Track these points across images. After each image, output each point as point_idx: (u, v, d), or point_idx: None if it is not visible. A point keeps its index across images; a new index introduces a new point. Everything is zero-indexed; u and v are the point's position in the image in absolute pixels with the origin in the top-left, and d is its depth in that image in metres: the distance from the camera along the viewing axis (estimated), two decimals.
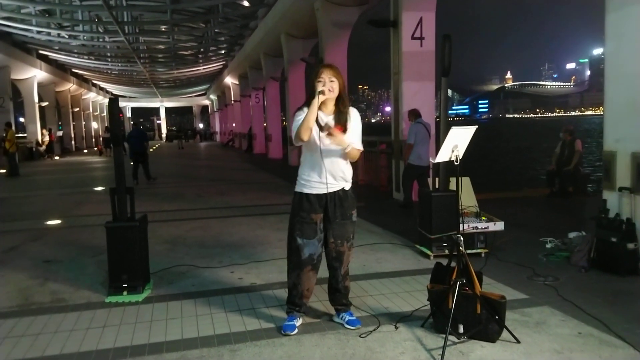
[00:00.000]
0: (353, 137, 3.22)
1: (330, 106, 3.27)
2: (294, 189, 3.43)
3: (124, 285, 4.17)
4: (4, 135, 16.61)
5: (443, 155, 3.20)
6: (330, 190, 3.29)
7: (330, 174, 3.27)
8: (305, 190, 3.30)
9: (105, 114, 47.07)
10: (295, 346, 3.18)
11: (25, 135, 27.96)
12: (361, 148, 3.27)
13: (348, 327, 3.43)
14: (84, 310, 3.92)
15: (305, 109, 3.17)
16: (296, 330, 3.36)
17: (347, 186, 3.38)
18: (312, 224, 3.30)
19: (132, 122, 15.74)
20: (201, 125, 61.99)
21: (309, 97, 3.21)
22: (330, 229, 3.34)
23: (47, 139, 27.75)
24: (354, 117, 3.30)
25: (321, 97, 3.12)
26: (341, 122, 3.21)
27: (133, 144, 13.10)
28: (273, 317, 3.66)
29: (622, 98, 4.61)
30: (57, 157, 27.21)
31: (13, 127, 18.24)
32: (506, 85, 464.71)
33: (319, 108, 3.19)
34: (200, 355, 3.09)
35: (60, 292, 4.36)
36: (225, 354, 3.10)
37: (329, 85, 3.17)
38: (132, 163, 12.85)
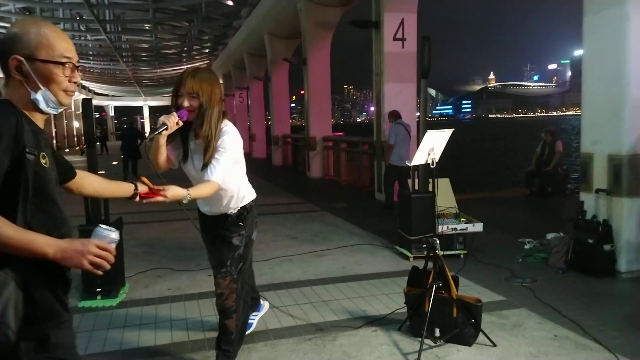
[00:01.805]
0: (211, 167, 2.53)
1: (199, 129, 2.57)
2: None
3: (97, 290, 4.09)
4: None
5: (419, 159, 3.18)
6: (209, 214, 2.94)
7: (206, 203, 2.90)
8: (200, 209, 3.03)
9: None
10: (270, 351, 3.14)
11: None
12: (216, 180, 2.51)
13: (256, 312, 3.49)
14: None
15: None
16: (252, 328, 3.35)
17: (232, 211, 2.89)
18: (205, 242, 3.13)
19: (128, 122, 16.22)
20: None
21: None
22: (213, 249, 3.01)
23: None
24: (225, 140, 2.57)
25: (164, 133, 2.41)
26: (207, 150, 2.55)
27: (127, 142, 13.92)
28: (249, 322, 3.61)
29: (600, 100, 4.64)
30: None
31: None
32: (489, 85, 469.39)
33: (188, 134, 2.63)
34: None
35: None
36: None
37: (188, 104, 2.48)
38: (122, 157, 13.92)
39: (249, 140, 23.44)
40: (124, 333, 3.47)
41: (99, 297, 4.07)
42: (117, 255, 4.11)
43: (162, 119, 2.40)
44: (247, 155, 14.48)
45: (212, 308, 3.88)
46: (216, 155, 2.53)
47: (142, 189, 2.12)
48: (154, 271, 4.91)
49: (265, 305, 3.61)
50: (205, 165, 2.55)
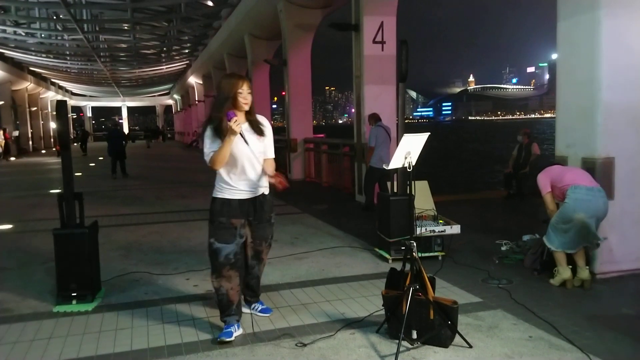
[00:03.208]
0: (268, 148, 3.41)
1: (242, 116, 3.30)
2: (212, 197, 3.42)
3: (72, 294, 4.02)
4: None
5: (396, 162, 3.20)
6: (249, 197, 3.36)
7: (251, 185, 3.35)
8: (229, 197, 3.32)
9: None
10: (248, 356, 3.12)
11: None
12: (273, 156, 3.45)
13: (261, 315, 3.69)
14: (30, 320, 3.77)
15: (210, 128, 3.26)
16: (233, 337, 3.32)
17: (266, 191, 3.45)
18: (232, 229, 3.31)
19: (113, 124, 16.77)
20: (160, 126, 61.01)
21: (216, 109, 3.25)
22: (252, 231, 3.45)
23: (1, 139, 26.73)
24: (269, 127, 3.44)
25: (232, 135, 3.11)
26: (257, 131, 3.32)
27: (113, 144, 14.64)
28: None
29: (573, 104, 4.73)
30: (12, 158, 26.25)
31: None
32: (469, 88, 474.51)
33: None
34: None
35: (5, 302, 4.18)
36: None
37: (248, 100, 3.26)
38: (110, 157, 14.72)
39: None
40: (99, 338, 3.42)
41: (74, 302, 4.01)
42: (92, 260, 4.08)
43: (234, 126, 3.05)
44: None
45: (190, 312, 3.87)
46: (270, 140, 3.41)
47: None
48: (131, 275, 4.85)
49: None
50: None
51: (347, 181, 10.78)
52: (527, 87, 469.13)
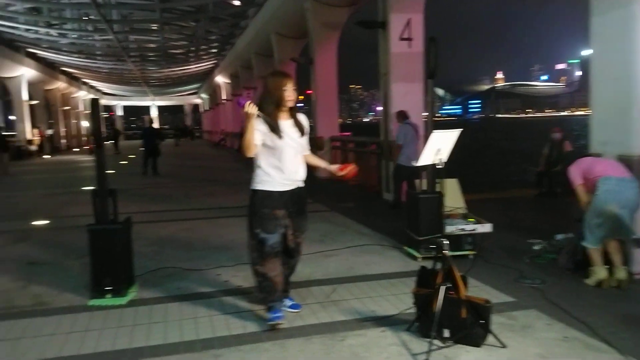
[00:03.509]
0: (307, 143, 3.60)
1: (286, 114, 3.47)
2: (252, 189, 3.54)
3: (107, 289, 4.10)
4: None
5: (426, 159, 3.17)
6: (289, 189, 3.50)
7: (294, 177, 3.51)
8: (272, 189, 3.45)
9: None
10: (279, 351, 3.15)
11: (15, 134, 27.67)
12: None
13: (290, 310, 3.72)
14: (66, 313, 3.87)
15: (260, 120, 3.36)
16: (284, 319, 3.49)
17: (302, 184, 3.62)
18: (275, 219, 3.44)
19: (148, 121, 17.31)
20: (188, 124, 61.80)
21: (262, 105, 3.38)
22: (291, 223, 3.54)
23: (37, 137, 27.48)
24: (307, 124, 3.62)
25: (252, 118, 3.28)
26: (298, 127, 3.49)
27: (147, 141, 14.94)
28: (258, 321, 3.63)
29: (608, 101, 4.61)
30: (47, 156, 26.97)
31: None
32: (497, 85, 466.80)
33: (277, 116, 3.41)
34: None
35: (42, 295, 4.30)
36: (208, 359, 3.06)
37: (293, 97, 3.43)
38: (143, 155, 15.06)
39: None
40: (133, 331, 3.50)
41: (108, 296, 4.09)
42: (126, 255, 4.17)
43: (251, 109, 3.21)
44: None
45: (222, 307, 3.91)
46: (307, 134, 3.55)
47: None
48: (163, 270, 4.94)
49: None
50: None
51: (374, 179, 10.74)
52: (557, 84, 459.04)
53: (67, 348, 3.25)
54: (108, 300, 4.07)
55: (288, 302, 3.80)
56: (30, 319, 3.77)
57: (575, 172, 4.42)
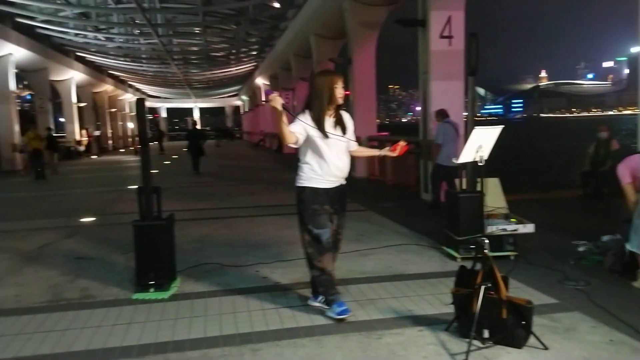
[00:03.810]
0: (352, 139, 3.66)
1: (332, 112, 3.51)
2: (299, 186, 3.63)
3: (150, 283, 4.23)
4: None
5: (467, 156, 3.13)
6: (334, 185, 3.57)
7: (338, 171, 3.55)
8: (319, 186, 3.51)
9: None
10: (316, 348, 3.17)
11: (65, 135, 28.79)
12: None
13: (318, 306, 3.71)
14: (111, 306, 4.00)
15: (302, 118, 3.44)
16: (351, 312, 3.56)
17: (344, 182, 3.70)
18: (325, 214, 3.53)
19: (192, 123, 18.39)
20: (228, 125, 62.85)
21: (310, 103, 3.48)
22: (335, 219, 3.62)
23: (85, 138, 28.52)
24: (351, 121, 3.68)
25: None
26: (343, 124, 3.54)
27: (193, 142, 15.79)
28: (295, 317, 3.66)
29: None
30: (94, 157, 27.95)
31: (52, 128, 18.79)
32: (540, 84, 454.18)
33: (325, 114, 3.46)
34: (222, 354, 3.11)
35: (89, 289, 4.46)
36: (246, 353, 3.11)
37: (342, 94, 3.47)
38: (190, 154, 15.75)
39: None
40: (175, 325, 3.59)
41: (151, 290, 4.22)
42: (169, 250, 4.28)
43: (276, 99, 3.21)
44: (293, 156, 14.54)
45: (260, 303, 3.97)
46: (352, 131, 3.63)
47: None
48: (204, 266, 5.05)
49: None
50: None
51: (412, 179, 10.64)
52: (603, 82, 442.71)
53: (111, 340, 3.37)
54: (151, 294, 4.18)
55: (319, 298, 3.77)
56: (77, 311, 3.92)
57: (624, 170, 4.27)
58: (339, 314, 3.52)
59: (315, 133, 3.44)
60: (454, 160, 3.40)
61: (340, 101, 3.49)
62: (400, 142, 3.52)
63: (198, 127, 21.21)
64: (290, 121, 3.43)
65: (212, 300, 4.06)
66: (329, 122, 3.49)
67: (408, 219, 7.20)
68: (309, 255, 3.61)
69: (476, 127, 3.09)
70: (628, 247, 4.12)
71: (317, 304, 3.76)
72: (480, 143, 3.08)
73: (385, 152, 3.63)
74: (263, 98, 34.12)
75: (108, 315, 3.82)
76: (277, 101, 3.22)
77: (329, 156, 3.48)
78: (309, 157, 3.52)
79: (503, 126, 3.11)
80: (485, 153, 3.15)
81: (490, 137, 3.13)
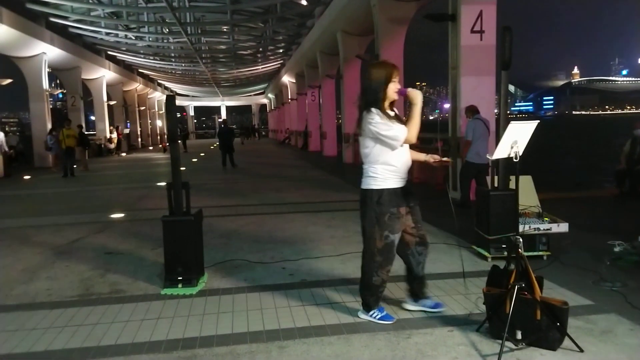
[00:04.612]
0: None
1: (389, 104, 3.36)
2: (360, 186, 3.49)
3: (179, 278, 4.26)
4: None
5: (501, 152, 3.04)
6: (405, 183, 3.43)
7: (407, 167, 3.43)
8: (396, 185, 3.34)
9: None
10: (344, 346, 3.13)
11: (95, 132, 29.40)
12: None
13: (433, 310, 3.55)
14: (140, 301, 4.04)
15: (378, 113, 3.24)
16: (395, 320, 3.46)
17: None
18: (401, 218, 3.35)
19: (223, 121, 19.13)
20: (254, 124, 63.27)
21: (372, 95, 3.27)
22: (412, 215, 3.45)
23: (115, 136, 29.09)
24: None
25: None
26: (400, 120, 3.35)
27: (225, 139, 16.83)
28: (322, 314, 3.63)
29: None
30: (123, 154, 28.47)
31: (83, 126, 19.14)
32: (573, 80, 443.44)
33: (386, 109, 3.31)
34: (249, 350, 3.10)
35: (119, 284, 4.52)
36: (273, 350, 3.09)
37: (398, 88, 3.31)
38: (221, 151, 16.89)
39: (320, 138, 23.64)
40: (203, 320, 3.60)
41: (180, 286, 4.24)
42: (197, 246, 4.29)
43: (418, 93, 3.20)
44: (319, 154, 14.62)
45: (286, 300, 3.95)
46: None
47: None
48: (231, 262, 5.06)
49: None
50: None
51: (440, 177, 10.49)
52: (638, 79, 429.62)
53: (140, 334, 3.39)
54: (180, 290, 4.21)
55: (429, 302, 3.63)
56: (107, 305, 3.97)
57: None
58: (383, 318, 3.45)
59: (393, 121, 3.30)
60: (488, 157, 3.30)
61: (395, 96, 3.32)
62: (445, 159, 3.45)
63: (230, 125, 21.72)
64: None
65: (239, 297, 4.06)
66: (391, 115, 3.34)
67: (436, 218, 7.06)
68: (375, 263, 3.38)
69: (512, 122, 3.00)
70: None
71: (417, 308, 3.63)
72: (516, 138, 2.98)
73: (429, 159, 3.49)
74: (289, 96, 34.18)
75: (137, 310, 3.85)
76: (419, 96, 3.16)
77: (400, 153, 3.32)
78: (382, 156, 3.30)
79: (539, 121, 3.01)
80: (520, 149, 3.05)
81: (526, 132, 3.03)
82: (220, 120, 63.24)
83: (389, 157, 3.30)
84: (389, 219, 3.31)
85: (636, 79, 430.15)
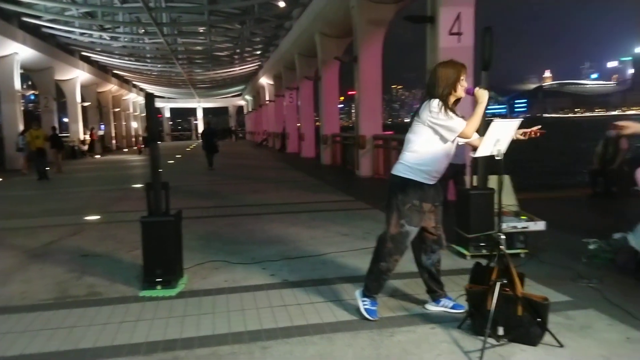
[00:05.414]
0: None
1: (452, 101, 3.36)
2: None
3: (157, 280, 4.18)
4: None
5: (484, 150, 3.06)
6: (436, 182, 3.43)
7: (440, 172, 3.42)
8: (424, 181, 3.33)
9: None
10: (327, 345, 3.11)
11: (68, 134, 28.83)
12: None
13: (453, 311, 3.52)
14: (118, 304, 3.95)
15: (443, 105, 3.21)
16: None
17: None
18: (422, 213, 3.36)
19: (206, 123, 19.63)
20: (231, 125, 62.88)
21: (444, 91, 3.26)
22: (434, 215, 3.46)
23: (88, 137, 28.56)
24: None
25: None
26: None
27: (207, 140, 17.11)
28: (305, 314, 3.61)
29: None
30: (98, 156, 27.97)
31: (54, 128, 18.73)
32: (544, 84, 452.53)
33: (453, 106, 3.32)
34: (231, 352, 3.06)
35: (95, 286, 4.42)
36: (256, 351, 3.06)
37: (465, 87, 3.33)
38: (205, 151, 17.08)
39: (298, 140, 23.62)
40: (183, 322, 3.54)
41: (159, 287, 4.17)
42: (176, 247, 4.22)
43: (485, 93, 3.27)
44: (297, 155, 14.62)
45: (268, 300, 3.92)
46: None
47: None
48: (211, 263, 5.00)
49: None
50: None
51: None
52: (608, 82, 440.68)
53: (119, 337, 3.32)
54: (159, 292, 4.14)
55: (449, 303, 3.60)
56: (84, 308, 3.87)
57: None
58: (368, 313, 3.45)
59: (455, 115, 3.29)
60: (472, 154, 3.33)
61: (462, 94, 3.32)
62: (535, 129, 3.29)
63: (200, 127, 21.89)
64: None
65: (220, 298, 4.01)
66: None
67: None
68: (386, 249, 3.41)
69: (495, 119, 3.03)
70: (628, 239, 4.06)
71: (437, 309, 3.61)
72: (498, 137, 3.01)
73: (519, 136, 3.29)
74: (267, 98, 34.06)
75: (115, 312, 3.77)
76: (485, 95, 3.20)
77: (448, 153, 3.33)
78: (425, 150, 3.30)
79: (522, 119, 3.05)
80: (503, 147, 3.08)
81: (509, 131, 3.07)
82: (196, 122, 63.03)
83: (428, 155, 3.30)
84: (409, 209, 3.32)
85: (605, 82, 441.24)
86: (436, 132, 3.25)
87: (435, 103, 3.21)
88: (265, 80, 33.66)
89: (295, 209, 8.16)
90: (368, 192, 10.07)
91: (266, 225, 6.86)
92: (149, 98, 4.18)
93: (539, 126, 3.26)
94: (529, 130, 3.24)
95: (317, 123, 20.62)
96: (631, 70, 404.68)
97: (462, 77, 3.28)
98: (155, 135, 4.35)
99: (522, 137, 3.28)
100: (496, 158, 3.07)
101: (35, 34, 21.69)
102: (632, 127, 3.28)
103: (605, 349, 2.93)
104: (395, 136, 13.19)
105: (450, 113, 3.21)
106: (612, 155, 8.84)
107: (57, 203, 9.98)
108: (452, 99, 3.30)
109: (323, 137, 18.11)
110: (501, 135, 3.03)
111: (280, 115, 29.04)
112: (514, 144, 3.29)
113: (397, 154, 10.95)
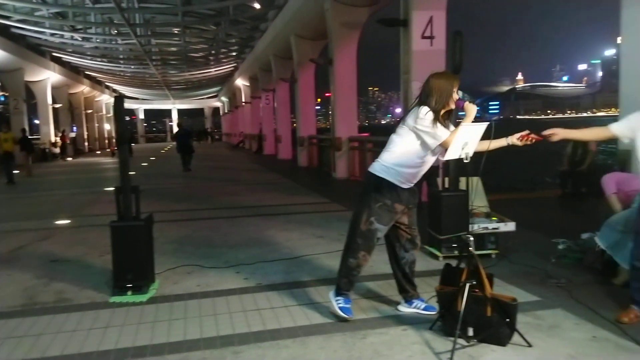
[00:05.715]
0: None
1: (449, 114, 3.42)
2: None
3: (128, 285, 4.12)
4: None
5: (452, 153, 3.10)
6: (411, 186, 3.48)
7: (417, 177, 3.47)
8: (398, 184, 3.37)
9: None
10: (300, 348, 3.11)
11: (39, 137, 28.20)
12: None
13: (425, 313, 3.54)
14: (88, 310, 3.88)
15: (432, 114, 3.23)
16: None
17: None
18: (393, 213, 3.41)
19: (178, 124, 19.53)
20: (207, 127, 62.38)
21: (437, 108, 3.25)
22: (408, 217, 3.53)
23: (59, 139, 27.97)
24: None
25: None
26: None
27: (182, 142, 16.83)
28: (278, 317, 3.60)
29: (639, 96, 4.48)
30: (69, 159, 27.42)
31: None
32: (517, 86, 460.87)
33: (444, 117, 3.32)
34: (202, 357, 3.03)
35: (64, 292, 4.33)
36: (228, 356, 3.03)
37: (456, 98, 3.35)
38: (180, 153, 16.83)
39: (274, 141, 23.55)
40: (154, 328, 3.49)
41: (129, 293, 4.10)
42: (147, 252, 4.16)
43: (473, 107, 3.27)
44: (273, 157, 14.57)
45: (241, 304, 3.89)
46: None
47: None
48: (183, 268, 4.94)
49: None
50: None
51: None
52: (579, 85, 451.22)
53: (88, 344, 3.26)
54: (129, 297, 4.07)
55: (421, 304, 3.63)
56: (52, 315, 3.79)
57: (610, 181, 4.34)
58: (342, 311, 3.46)
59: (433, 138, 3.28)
60: (440, 158, 3.36)
61: (454, 106, 3.33)
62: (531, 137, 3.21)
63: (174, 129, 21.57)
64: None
65: (192, 303, 3.97)
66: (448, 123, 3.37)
67: None
68: (355, 244, 3.48)
69: (462, 123, 3.07)
70: (596, 239, 4.17)
71: (409, 310, 3.64)
72: (466, 140, 3.05)
73: (515, 141, 3.24)
74: (243, 99, 33.90)
75: (84, 319, 3.70)
76: (473, 110, 3.24)
77: (428, 162, 3.37)
78: (405, 154, 3.33)
79: (489, 122, 3.09)
80: (471, 150, 3.13)
81: (476, 134, 3.11)
82: (171, 123, 62.34)
83: (404, 158, 3.33)
84: (380, 208, 3.37)
85: (576, 84, 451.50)
86: (419, 137, 3.29)
87: (425, 110, 3.24)
88: (241, 82, 33.48)
89: (271, 212, 8.13)
90: (344, 194, 10.10)
91: (241, 228, 6.82)
92: (118, 101, 4.11)
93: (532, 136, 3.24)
94: (525, 134, 3.21)
95: (294, 125, 20.61)
96: (600, 73, 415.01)
97: (454, 90, 3.32)
98: (125, 138, 4.27)
99: (518, 143, 3.25)
100: (464, 161, 3.11)
101: (5, 35, 21.17)
102: (559, 134, 3.36)
103: (572, 348, 2.99)
104: (371, 138, 13.27)
105: (438, 124, 3.24)
106: (581, 157, 9.04)
107: (27, 207, 9.75)
108: (442, 112, 3.31)
109: (299, 139, 18.10)
110: (469, 139, 3.07)
111: (256, 117, 28.92)
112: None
113: (373, 156, 11.06)
